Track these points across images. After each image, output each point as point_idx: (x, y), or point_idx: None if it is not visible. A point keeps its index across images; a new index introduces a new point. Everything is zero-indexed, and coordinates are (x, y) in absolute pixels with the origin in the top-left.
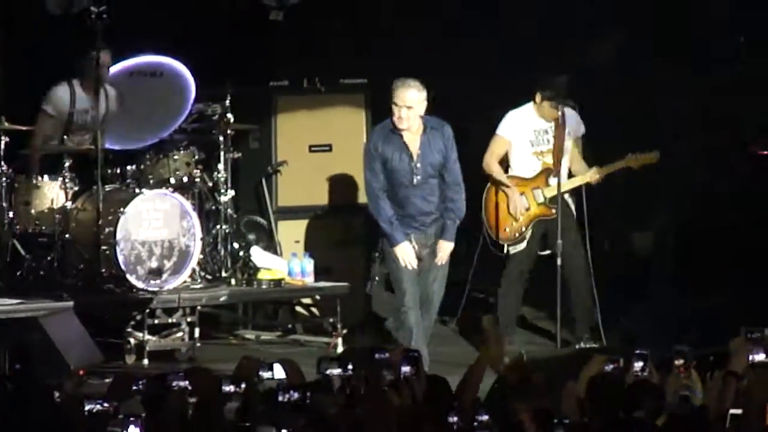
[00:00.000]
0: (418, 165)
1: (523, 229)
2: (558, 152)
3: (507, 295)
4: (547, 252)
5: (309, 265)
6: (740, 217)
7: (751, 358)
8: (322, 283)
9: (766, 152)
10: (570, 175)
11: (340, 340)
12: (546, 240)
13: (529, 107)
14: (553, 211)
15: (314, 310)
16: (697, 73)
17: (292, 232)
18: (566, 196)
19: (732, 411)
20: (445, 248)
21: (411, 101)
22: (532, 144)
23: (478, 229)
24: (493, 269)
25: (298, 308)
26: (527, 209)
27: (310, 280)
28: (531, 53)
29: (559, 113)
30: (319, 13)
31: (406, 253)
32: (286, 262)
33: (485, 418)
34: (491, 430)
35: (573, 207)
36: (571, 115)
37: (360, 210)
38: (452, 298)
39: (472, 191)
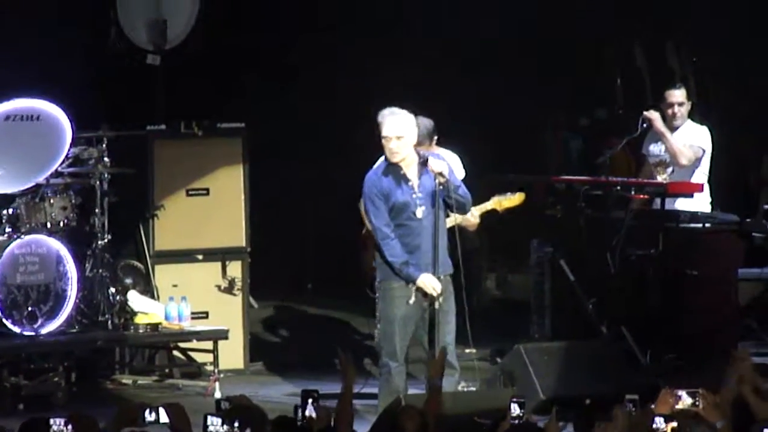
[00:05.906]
0: (420, 194)
1: None
2: None
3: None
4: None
5: (186, 309)
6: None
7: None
8: (199, 327)
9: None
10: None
11: (217, 385)
12: None
13: None
14: None
15: (191, 354)
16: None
17: (169, 276)
18: None
19: None
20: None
21: (400, 130)
22: None
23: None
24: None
25: (176, 352)
26: None
27: (187, 324)
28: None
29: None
30: (195, 58)
31: (430, 283)
32: (163, 306)
33: None
34: None
35: None
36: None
37: (238, 253)
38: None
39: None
